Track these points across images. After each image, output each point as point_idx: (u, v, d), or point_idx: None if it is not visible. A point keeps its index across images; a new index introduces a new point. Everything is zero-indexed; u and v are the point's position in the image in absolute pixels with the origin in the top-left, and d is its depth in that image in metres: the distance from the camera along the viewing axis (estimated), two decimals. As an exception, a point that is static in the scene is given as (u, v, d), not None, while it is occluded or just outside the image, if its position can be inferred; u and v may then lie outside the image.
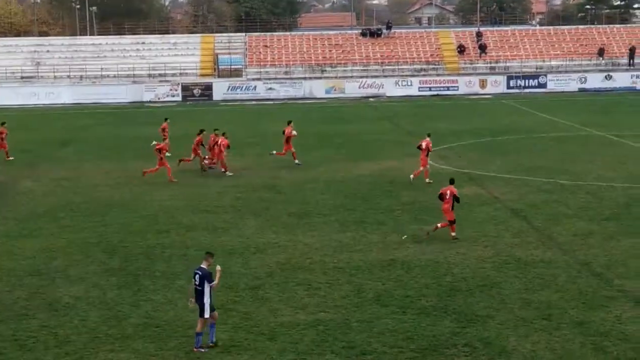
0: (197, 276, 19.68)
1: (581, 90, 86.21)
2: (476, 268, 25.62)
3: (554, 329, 20.44)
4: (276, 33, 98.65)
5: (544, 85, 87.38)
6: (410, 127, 59.75)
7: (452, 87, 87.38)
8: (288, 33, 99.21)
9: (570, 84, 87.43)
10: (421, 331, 20.53)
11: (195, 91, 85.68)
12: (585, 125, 57.89)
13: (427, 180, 38.39)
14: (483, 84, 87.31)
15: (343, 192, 37.53)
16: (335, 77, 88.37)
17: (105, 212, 34.30)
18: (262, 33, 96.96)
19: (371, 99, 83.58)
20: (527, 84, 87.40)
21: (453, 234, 29.10)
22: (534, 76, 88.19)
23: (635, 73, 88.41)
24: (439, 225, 29.34)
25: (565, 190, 36.67)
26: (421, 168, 38.81)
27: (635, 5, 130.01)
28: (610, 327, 20.50)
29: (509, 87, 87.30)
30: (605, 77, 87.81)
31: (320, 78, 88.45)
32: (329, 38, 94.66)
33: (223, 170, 42.02)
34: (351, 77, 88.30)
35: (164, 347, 19.97)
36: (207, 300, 19.54)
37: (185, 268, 25.94)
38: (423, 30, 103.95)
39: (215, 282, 19.68)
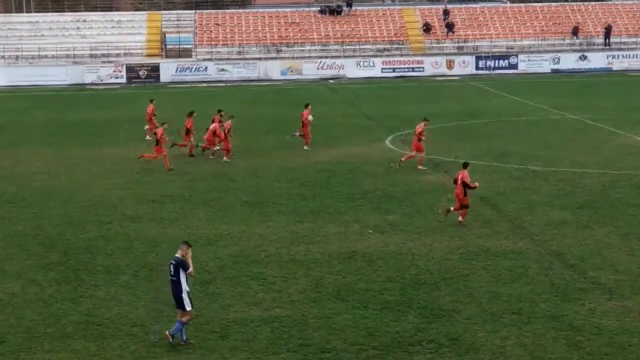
0: (171, 266, 19.84)
1: (554, 71, 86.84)
2: (442, 260, 25.74)
3: (524, 324, 20.60)
4: (229, 10, 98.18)
5: (514, 66, 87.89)
6: (372, 111, 59.91)
7: (417, 68, 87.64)
8: (241, 10, 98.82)
9: (542, 64, 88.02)
10: (384, 327, 20.59)
11: (141, 72, 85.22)
12: (559, 109, 58.33)
13: (420, 167, 38.92)
14: (450, 65, 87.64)
15: (300, 179, 37.53)
16: (292, 58, 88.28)
17: (43, 203, 34.04)
18: (214, 10, 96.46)
19: (331, 81, 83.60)
20: (497, 65, 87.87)
21: (460, 219, 29.62)
22: (505, 56, 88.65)
23: (611, 53, 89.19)
24: (451, 208, 29.89)
25: (538, 177, 36.94)
26: (412, 153, 39.20)
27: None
28: (584, 321, 20.69)
29: (477, 68, 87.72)
30: (580, 57, 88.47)
31: (276, 59, 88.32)
32: (285, 16, 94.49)
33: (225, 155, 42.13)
34: (309, 57, 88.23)
35: (106, 346, 19.86)
36: (185, 290, 19.72)
37: (130, 262, 25.85)
38: (386, 7, 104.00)
39: (191, 268, 19.87)
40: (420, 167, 38.96)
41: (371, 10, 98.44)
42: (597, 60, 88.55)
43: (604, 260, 25.44)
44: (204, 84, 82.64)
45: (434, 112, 56.63)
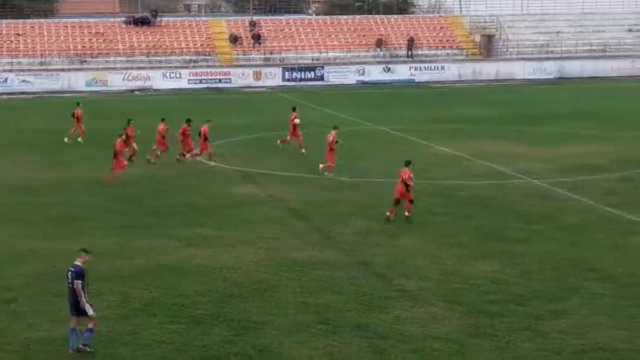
0: (69, 273, 19.89)
1: (360, 82, 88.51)
2: (251, 272, 25.87)
3: (331, 333, 20.92)
4: (30, 20, 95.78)
5: (321, 78, 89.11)
6: (180, 122, 59.38)
7: (224, 79, 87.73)
8: (44, 20, 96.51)
9: (348, 76, 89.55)
10: (191, 341, 20.53)
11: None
12: (366, 120, 59.48)
13: (326, 173, 39.61)
14: (258, 76, 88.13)
15: (109, 193, 37.01)
16: (97, 69, 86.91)
17: None
18: (15, 20, 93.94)
19: (137, 92, 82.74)
20: (304, 77, 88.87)
21: (407, 214, 31.32)
22: (311, 68, 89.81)
23: (414, 65, 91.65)
24: (387, 213, 31.38)
25: (346, 188, 37.60)
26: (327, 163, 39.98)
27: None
28: (389, 329, 21.18)
29: (285, 79, 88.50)
30: (384, 69, 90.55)
31: (80, 69, 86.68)
32: (89, 26, 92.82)
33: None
34: (114, 68, 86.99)
35: None
36: (81, 298, 19.62)
37: None
38: (193, 18, 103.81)
39: (81, 281, 19.75)
40: (327, 173, 39.61)
41: (178, 21, 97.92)
42: (401, 72, 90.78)
43: (409, 268, 26.11)
44: (4, 96, 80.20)
45: (242, 124, 57.03)
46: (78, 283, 19.71)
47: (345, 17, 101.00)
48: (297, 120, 46.01)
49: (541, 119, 60.12)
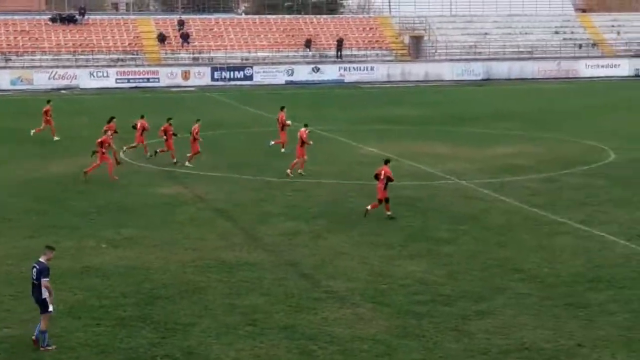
0: (34, 270, 20.05)
1: (289, 82, 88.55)
2: (178, 273, 25.70)
3: (259, 335, 20.85)
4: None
5: (250, 78, 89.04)
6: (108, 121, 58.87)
7: (152, 78, 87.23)
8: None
9: (277, 76, 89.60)
10: (117, 344, 20.32)
11: None
12: (294, 120, 59.32)
13: (300, 171, 39.65)
14: (186, 76, 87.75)
15: (33, 193, 36.56)
16: (23, 67, 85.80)
17: None
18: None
19: (63, 91, 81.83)
20: (232, 76, 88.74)
21: (388, 213, 31.84)
22: (240, 68, 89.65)
23: (343, 65, 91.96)
24: (368, 207, 32.03)
25: (273, 188, 37.55)
26: (297, 160, 39.94)
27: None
28: (317, 330, 21.17)
29: (213, 79, 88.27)
30: (313, 69, 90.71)
31: (5, 68, 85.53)
32: (14, 24, 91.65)
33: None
34: (40, 67, 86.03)
35: None
36: (45, 294, 19.74)
37: None
38: (121, 17, 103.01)
39: (47, 278, 19.82)
40: (300, 171, 39.80)
41: (105, 19, 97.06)
42: (330, 72, 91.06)
43: (337, 269, 26.14)
44: None
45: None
46: (46, 281, 19.85)
47: (274, 16, 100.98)
48: (289, 122, 46.14)
49: (468, 120, 60.71)
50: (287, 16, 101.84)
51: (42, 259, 20.18)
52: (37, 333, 20.07)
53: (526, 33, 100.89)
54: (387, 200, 32.06)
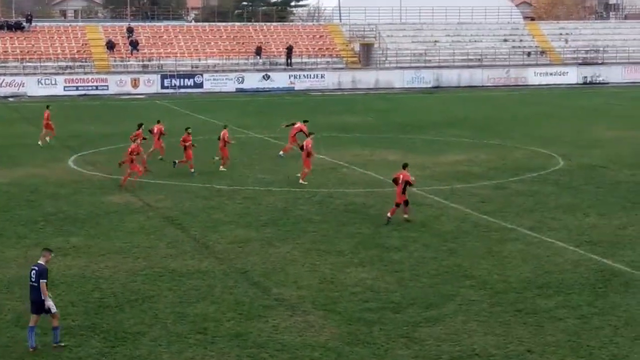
0: (33, 272, 20.29)
1: (239, 90, 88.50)
2: (127, 282, 25.54)
3: (209, 343, 20.78)
4: None
5: (200, 85, 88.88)
6: (56, 130, 58.49)
7: (101, 86, 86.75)
8: None
9: (227, 83, 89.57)
10: (66, 353, 20.15)
11: None
12: (243, 127, 59.44)
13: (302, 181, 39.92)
14: (135, 84, 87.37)
15: (-23, 203, 36.17)
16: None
17: None
18: None
19: (10, 99, 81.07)
20: (182, 84, 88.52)
21: (405, 216, 32.48)
22: (190, 75, 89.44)
23: (292, 73, 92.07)
24: (389, 214, 32.39)
25: (223, 196, 37.44)
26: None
27: (293, 3, 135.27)
28: (268, 338, 21.14)
29: (163, 86, 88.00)
30: (263, 77, 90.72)
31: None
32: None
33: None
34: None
35: None
36: (46, 297, 20.15)
37: None
38: (68, 24, 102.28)
39: (45, 280, 20.04)
40: (302, 181, 39.77)
41: (53, 26, 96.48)
42: (280, 79, 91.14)
43: (287, 276, 26.12)
44: None
45: (119, 132, 56.32)
46: (43, 282, 20.03)
47: (224, 24, 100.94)
48: (305, 128, 46.74)
49: (418, 127, 61.00)
50: (237, 24, 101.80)
51: (40, 261, 20.48)
52: (30, 341, 20.22)
53: (475, 41, 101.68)
54: (406, 203, 32.65)
